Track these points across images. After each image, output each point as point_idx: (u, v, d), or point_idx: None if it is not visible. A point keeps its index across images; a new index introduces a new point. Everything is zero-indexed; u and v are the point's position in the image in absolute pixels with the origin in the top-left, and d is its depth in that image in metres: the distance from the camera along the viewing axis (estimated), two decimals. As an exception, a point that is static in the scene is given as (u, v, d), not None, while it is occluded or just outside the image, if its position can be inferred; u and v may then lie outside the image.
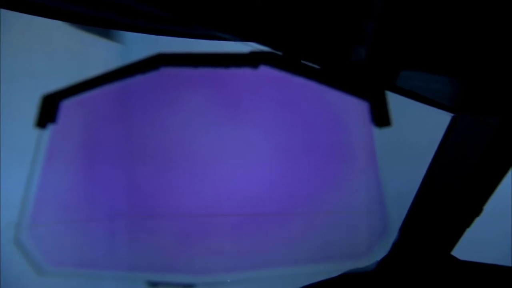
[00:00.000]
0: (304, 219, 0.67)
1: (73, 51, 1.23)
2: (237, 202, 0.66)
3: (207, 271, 0.62)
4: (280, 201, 0.66)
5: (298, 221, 0.67)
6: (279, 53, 0.52)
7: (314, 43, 0.48)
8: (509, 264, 0.71)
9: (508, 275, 0.69)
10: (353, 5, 0.44)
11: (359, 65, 0.50)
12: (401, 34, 0.46)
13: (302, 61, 0.53)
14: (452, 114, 0.68)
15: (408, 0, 0.43)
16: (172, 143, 0.65)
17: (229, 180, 0.66)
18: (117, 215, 0.66)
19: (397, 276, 0.70)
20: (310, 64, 0.53)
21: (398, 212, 0.68)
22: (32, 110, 0.57)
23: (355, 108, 0.57)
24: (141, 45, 0.73)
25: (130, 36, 1.20)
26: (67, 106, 0.58)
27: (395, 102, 0.56)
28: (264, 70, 0.54)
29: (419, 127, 1.00)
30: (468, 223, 0.71)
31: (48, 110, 0.57)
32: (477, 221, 0.71)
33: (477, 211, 0.70)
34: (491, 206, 0.70)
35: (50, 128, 0.58)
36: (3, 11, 0.92)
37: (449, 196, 0.70)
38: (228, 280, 0.62)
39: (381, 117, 0.54)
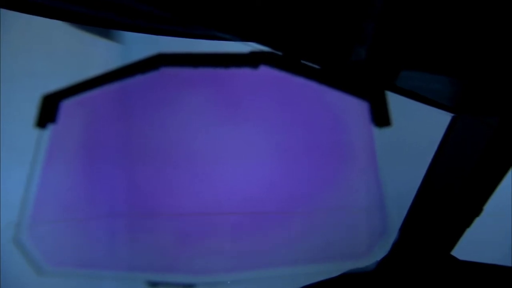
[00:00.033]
0: (304, 219, 0.67)
1: (73, 51, 1.23)
2: (237, 202, 0.66)
3: (207, 271, 0.62)
4: (280, 201, 0.66)
5: (298, 221, 0.67)
6: (279, 53, 0.52)
7: (314, 43, 0.48)
8: (509, 264, 0.71)
9: (508, 275, 0.69)
10: (353, 5, 0.44)
11: (359, 65, 0.50)
12: (401, 34, 0.46)
13: (302, 61, 0.53)
14: (452, 114, 0.68)
15: (408, 0, 0.43)
16: (172, 143, 0.65)
17: (229, 180, 0.66)
18: (117, 215, 0.66)
19: (397, 276, 0.70)
20: (310, 64, 0.53)
21: (398, 212, 0.68)
22: (32, 110, 0.57)
23: (355, 108, 0.57)
24: (141, 45, 0.74)
25: (130, 36, 1.20)
26: (67, 106, 0.58)
27: (395, 102, 0.56)
28: (264, 70, 0.54)
29: (419, 127, 1.01)
30: (468, 223, 0.71)
31: (48, 110, 0.57)
32: (477, 221, 0.71)
33: (477, 211, 0.70)
34: (491, 206, 0.70)
35: (50, 128, 0.58)
36: (3, 11, 0.92)
37: (449, 196, 0.70)
38: (228, 282, 0.62)
39: (381, 117, 0.54)
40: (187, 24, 0.52)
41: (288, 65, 0.53)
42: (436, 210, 0.71)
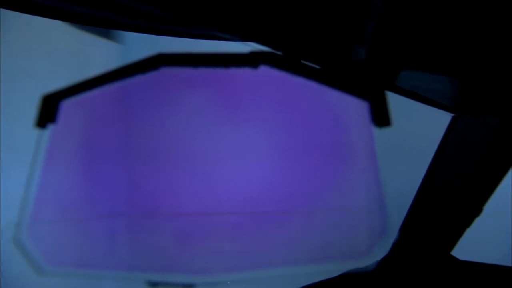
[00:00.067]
0: (304, 219, 0.67)
1: (73, 51, 1.23)
2: (237, 202, 0.66)
3: (207, 271, 0.62)
4: (280, 201, 0.66)
5: (298, 221, 0.67)
6: (279, 53, 0.52)
7: (314, 43, 0.48)
8: (509, 264, 0.71)
9: (508, 275, 0.69)
10: (353, 5, 0.44)
11: (359, 65, 0.50)
12: (401, 34, 0.46)
13: (302, 61, 0.53)
14: (452, 114, 0.68)
15: (408, 0, 0.43)
16: (172, 143, 0.65)
17: (229, 180, 0.66)
18: (117, 215, 0.66)
19: (397, 276, 0.70)
20: (310, 64, 0.53)
21: (398, 212, 0.68)
22: (32, 110, 0.57)
23: (355, 108, 0.57)
24: (141, 45, 0.74)
25: (130, 36, 1.20)
26: (67, 106, 0.58)
27: (395, 102, 0.56)
28: (264, 70, 0.54)
29: (419, 127, 1.01)
30: (468, 223, 0.71)
31: (48, 110, 0.57)
32: (477, 221, 0.71)
33: (477, 211, 0.70)
34: (491, 206, 0.70)
35: (50, 128, 0.58)
36: (3, 11, 0.92)
37: (449, 196, 0.70)
38: (228, 282, 0.62)
39: (381, 117, 0.54)
40: (187, 24, 0.52)
41: (288, 65, 0.53)
42: (436, 210, 0.71)
